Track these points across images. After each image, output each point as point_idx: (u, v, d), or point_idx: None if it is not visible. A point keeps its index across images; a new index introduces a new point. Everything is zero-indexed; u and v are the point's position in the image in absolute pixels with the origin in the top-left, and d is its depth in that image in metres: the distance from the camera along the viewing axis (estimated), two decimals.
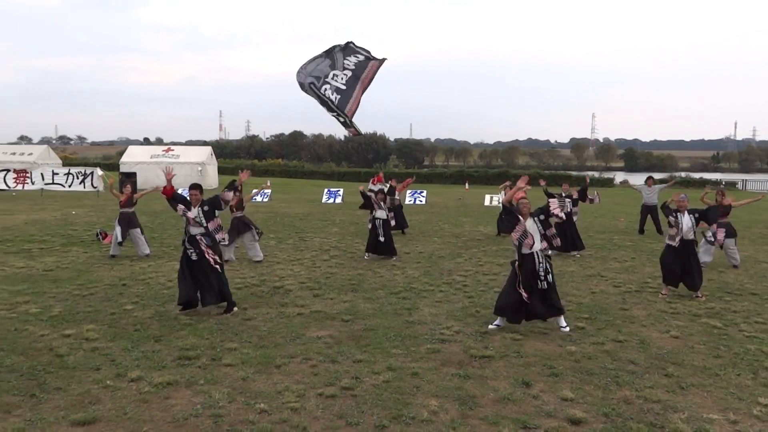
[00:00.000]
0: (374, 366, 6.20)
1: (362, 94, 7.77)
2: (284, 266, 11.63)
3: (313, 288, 9.73)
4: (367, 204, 12.39)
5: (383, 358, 6.45)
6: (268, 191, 32.46)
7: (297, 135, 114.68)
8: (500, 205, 15.08)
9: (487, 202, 28.56)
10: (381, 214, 12.40)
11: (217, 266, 8.04)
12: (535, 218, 7.39)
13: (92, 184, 31.14)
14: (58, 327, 7.44)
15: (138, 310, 8.26)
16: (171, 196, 8.02)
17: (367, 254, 12.62)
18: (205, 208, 8.06)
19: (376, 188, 17.64)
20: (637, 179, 47.44)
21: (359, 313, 8.21)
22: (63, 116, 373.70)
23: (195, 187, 8.16)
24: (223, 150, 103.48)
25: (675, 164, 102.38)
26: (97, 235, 15.03)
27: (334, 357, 6.45)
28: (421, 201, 29.08)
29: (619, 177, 56.46)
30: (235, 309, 8.19)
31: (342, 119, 7.45)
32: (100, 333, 7.21)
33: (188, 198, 8.09)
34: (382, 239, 12.42)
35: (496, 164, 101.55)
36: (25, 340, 6.96)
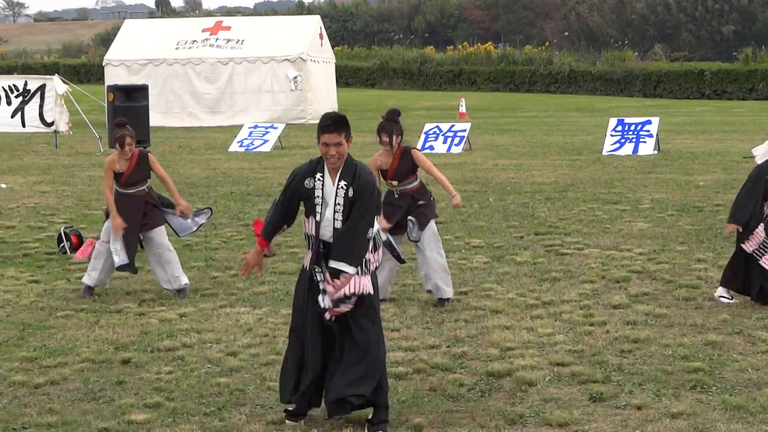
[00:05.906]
0: None
1: None
2: (510, 320, 11.89)
3: (589, 379, 9.84)
4: None
5: None
6: (465, 128, 32.92)
7: None
8: None
9: None
10: None
11: (370, 326, 8.55)
12: None
13: (42, 118, 33.90)
14: None
15: (161, 425, 8.77)
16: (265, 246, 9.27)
17: (725, 293, 12.71)
18: (352, 188, 8.50)
19: None
20: None
21: None
22: None
23: (336, 124, 8.45)
24: (345, 25, 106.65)
25: None
26: (60, 240, 16.30)
27: None
28: None
29: None
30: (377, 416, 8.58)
31: None
32: None
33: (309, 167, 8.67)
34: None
35: None
36: None
